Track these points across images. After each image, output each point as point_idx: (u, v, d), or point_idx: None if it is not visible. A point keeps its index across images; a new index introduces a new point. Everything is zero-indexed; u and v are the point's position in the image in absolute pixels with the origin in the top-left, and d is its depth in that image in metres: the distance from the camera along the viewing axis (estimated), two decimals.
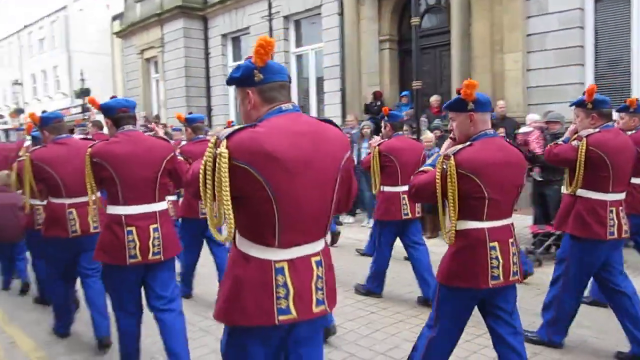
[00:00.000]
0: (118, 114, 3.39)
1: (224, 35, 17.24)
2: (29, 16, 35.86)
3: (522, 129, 7.23)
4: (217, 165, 1.90)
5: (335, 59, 13.55)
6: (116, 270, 3.35)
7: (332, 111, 13.43)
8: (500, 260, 2.82)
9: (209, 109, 17.84)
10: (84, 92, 23.85)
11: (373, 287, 5.50)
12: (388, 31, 12.52)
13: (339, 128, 2.17)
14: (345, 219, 9.67)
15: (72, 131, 8.40)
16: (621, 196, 3.72)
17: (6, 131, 21.31)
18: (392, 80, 12.68)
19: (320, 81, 14.63)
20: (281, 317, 1.98)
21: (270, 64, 2.04)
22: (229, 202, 1.91)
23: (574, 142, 3.77)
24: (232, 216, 1.93)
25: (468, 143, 2.83)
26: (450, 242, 2.87)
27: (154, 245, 3.33)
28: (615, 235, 3.69)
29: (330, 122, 2.14)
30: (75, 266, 4.24)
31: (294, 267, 2.02)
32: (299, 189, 1.96)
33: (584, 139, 3.71)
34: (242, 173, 1.89)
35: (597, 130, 3.74)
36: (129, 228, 3.29)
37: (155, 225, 3.37)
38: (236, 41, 17.36)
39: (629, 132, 4.65)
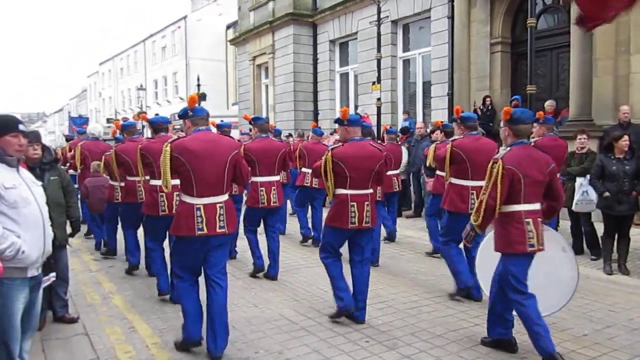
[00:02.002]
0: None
1: (332, 41, 17.53)
2: (153, 26, 38.64)
3: None
4: (163, 155, 3.95)
5: (443, 62, 13.29)
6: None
7: (439, 116, 13.16)
8: (357, 213, 4.67)
9: (315, 113, 18.21)
10: (200, 97, 25.26)
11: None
12: (500, 33, 12.06)
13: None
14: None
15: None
16: (481, 183, 4.39)
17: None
18: (503, 84, 12.19)
19: (427, 85, 14.42)
20: (198, 232, 3.96)
21: (196, 107, 4.17)
22: (168, 174, 3.97)
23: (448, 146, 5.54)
24: (169, 181, 4.00)
25: (340, 144, 4.88)
26: (330, 199, 4.90)
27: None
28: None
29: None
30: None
31: (205, 207, 3.99)
32: (204, 167, 3.97)
33: (450, 143, 5.55)
34: (176, 159, 3.95)
35: (462, 136, 5.54)
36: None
37: None
38: (344, 46, 17.59)
39: (536, 138, 6.43)
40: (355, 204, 4.64)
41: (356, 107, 16.69)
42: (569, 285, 4.30)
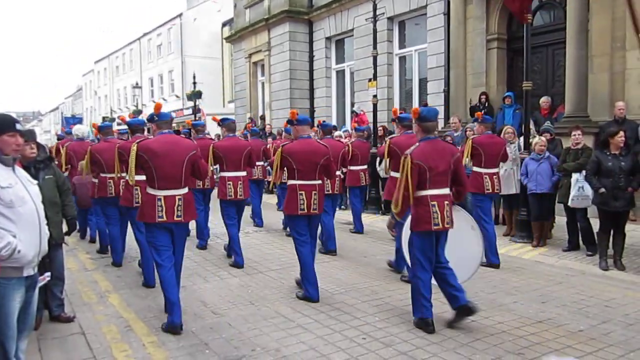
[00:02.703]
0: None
1: (328, 38, 17.51)
2: (149, 24, 38.53)
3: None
4: (130, 154, 4.63)
5: (439, 59, 13.29)
6: None
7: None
8: (305, 200, 5.37)
9: (312, 110, 18.19)
10: (195, 95, 25.18)
11: None
12: (496, 30, 12.06)
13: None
14: None
15: (178, 132, 11.43)
16: None
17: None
18: (499, 81, 12.20)
19: (423, 82, 14.42)
20: (159, 219, 4.63)
21: (161, 113, 4.88)
22: (134, 170, 4.65)
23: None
24: (134, 176, 4.70)
25: (289, 141, 5.84)
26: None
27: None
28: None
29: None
30: None
31: (165, 198, 4.64)
32: (165, 164, 4.63)
33: (388, 140, 6.42)
34: (141, 157, 4.60)
35: (399, 134, 6.43)
36: None
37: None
38: (340, 43, 17.57)
39: (475, 135, 7.17)
40: (303, 192, 5.37)
41: (352, 104, 16.69)
42: (476, 257, 5.17)
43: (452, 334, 4.43)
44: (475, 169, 6.84)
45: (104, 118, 35.85)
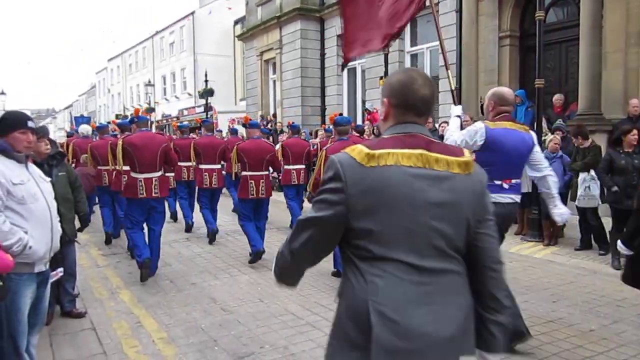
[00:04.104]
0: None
1: (340, 36, 17.41)
2: (161, 22, 38.67)
3: None
4: (117, 147, 6.19)
5: (451, 57, 13.16)
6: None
7: (446, 111, 13.09)
8: (254, 187, 6.89)
9: (322, 108, 18.19)
10: (207, 92, 25.26)
11: None
12: (509, 27, 11.96)
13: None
14: None
15: (193, 130, 13.51)
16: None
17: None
18: (512, 78, 12.09)
19: (434, 80, 14.31)
20: (140, 195, 6.08)
21: (140, 116, 6.55)
22: (121, 159, 6.18)
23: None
24: (122, 164, 6.24)
25: (242, 141, 7.32)
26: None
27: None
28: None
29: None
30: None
31: (145, 180, 6.10)
32: (144, 155, 6.14)
33: (324, 150, 6.13)
34: (126, 149, 6.13)
35: (337, 140, 6.28)
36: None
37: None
38: None
39: None
40: (252, 181, 6.89)
41: (363, 102, 16.66)
42: None
43: None
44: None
45: (117, 116, 36.08)
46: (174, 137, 11.00)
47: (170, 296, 5.56)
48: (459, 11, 12.71)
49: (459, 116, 4.85)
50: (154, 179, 6.15)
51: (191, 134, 11.70)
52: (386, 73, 12.18)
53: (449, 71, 5.85)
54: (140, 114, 6.53)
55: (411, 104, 1.74)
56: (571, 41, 10.82)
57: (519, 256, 7.09)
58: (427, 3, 5.99)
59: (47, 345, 4.24)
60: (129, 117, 6.68)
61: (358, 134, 9.77)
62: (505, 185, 4.04)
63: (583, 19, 9.82)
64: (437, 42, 13.54)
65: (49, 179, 3.35)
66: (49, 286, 3.32)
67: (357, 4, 6.35)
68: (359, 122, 16.24)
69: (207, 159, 8.48)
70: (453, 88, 5.65)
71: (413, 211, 1.60)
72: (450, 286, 1.65)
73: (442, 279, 1.64)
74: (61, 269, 3.67)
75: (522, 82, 11.97)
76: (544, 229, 7.71)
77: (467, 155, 1.76)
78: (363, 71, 16.71)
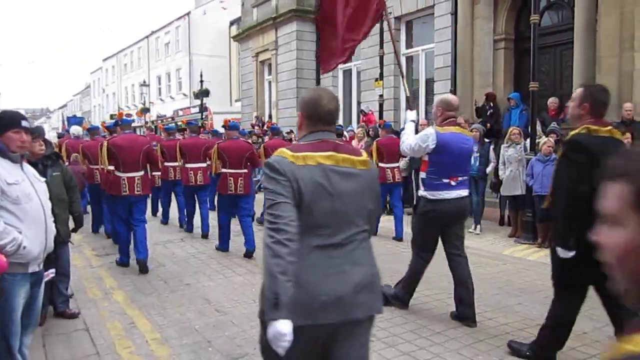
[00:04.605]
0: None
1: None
2: (156, 23, 38.57)
3: None
4: (102, 147, 6.65)
5: (446, 59, 13.26)
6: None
7: None
8: (233, 184, 7.36)
9: None
10: (202, 93, 25.24)
11: None
12: (504, 30, 12.03)
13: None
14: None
15: (181, 131, 13.07)
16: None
17: (134, 129, 23.07)
18: (507, 81, 12.16)
19: (430, 82, 14.39)
20: (123, 193, 6.51)
21: (123, 119, 7.92)
22: (106, 159, 6.58)
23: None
24: (107, 163, 6.63)
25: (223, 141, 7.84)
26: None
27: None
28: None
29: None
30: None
31: (128, 178, 6.52)
32: (126, 155, 6.58)
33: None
34: (110, 150, 6.56)
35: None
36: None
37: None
38: None
39: (380, 138, 8.81)
40: (232, 178, 7.36)
41: (359, 103, 16.67)
42: None
43: (455, 334, 4.43)
44: (379, 164, 8.11)
45: (111, 116, 35.99)
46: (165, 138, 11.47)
47: (164, 297, 5.55)
48: (454, 14, 12.75)
49: (413, 121, 5.18)
50: (136, 178, 6.60)
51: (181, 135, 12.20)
52: (381, 75, 12.22)
53: (404, 79, 6.74)
54: (124, 116, 7.34)
55: (320, 117, 2.25)
56: (566, 45, 10.89)
57: (512, 258, 7.12)
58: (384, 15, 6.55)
59: (40, 346, 4.22)
60: (114, 120, 7.34)
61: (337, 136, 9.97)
62: (453, 183, 4.58)
63: (577, 23, 9.88)
64: (433, 45, 13.66)
65: (43, 179, 3.34)
66: (42, 286, 3.31)
67: (329, 18, 6.85)
68: (354, 123, 16.28)
69: (192, 158, 8.92)
70: (408, 95, 6.39)
71: (332, 198, 2.14)
72: (359, 255, 2.23)
73: (353, 249, 2.21)
74: (53, 270, 3.66)
75: (517, 85, 12.02)
76: (538, 232, 7.74)
77: (365, 155, 2.34)
78: (358, 73, 16.73)
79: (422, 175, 4.76)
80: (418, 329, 4.53)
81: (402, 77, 6.61)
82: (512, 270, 6.52)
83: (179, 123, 23.25)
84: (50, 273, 3.56)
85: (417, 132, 5.26)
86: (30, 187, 3.07)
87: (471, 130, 9.26)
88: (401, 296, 5.01)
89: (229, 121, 8.35)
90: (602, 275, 2.81)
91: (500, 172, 8.60)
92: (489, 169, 8.87)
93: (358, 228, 2.23)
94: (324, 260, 2.15)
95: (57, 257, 4.35)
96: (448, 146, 4.49)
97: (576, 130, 3.63)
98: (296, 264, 2.02)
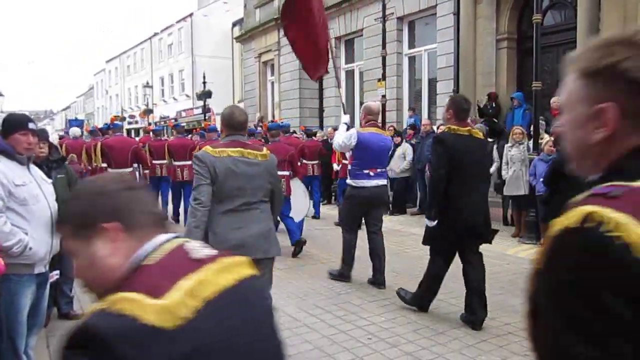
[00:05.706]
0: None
1: (338, 38, 17.48)
2: (157, 25, 38.65)
3: None
4: (96, 147, 8.84)
5: (449, 59, 13.25)
6: None
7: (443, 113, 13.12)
8: None
9: (320, 110, 18.20)
10: (205, 94, 25.28)
11: None
12: (506, 29, 12.01)
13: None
14: None
15: (189, 131, 15.49)
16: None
17: (137, 130, 23.07)
18: (509, 81, 12.15)
19: (432, 82, 14.38)
20: None
21: (115, 123, 10.92)
22: (100, 158, 8.62)
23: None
24: (100, 161, 8.68)
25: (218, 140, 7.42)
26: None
27: None
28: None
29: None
30: None
31: (117, 175, 5.56)
32: (117, 154, 8.71)
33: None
34: (103, 150, 8.68)
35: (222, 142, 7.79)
36: None
37: None
38: (349, 43, 17.56)
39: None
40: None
41: (361, 104, 16.66)
42: (305, 207, 8.38)
43: (458, 334, 4.44)
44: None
45: (116, 117, 36.11)
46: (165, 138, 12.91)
47: None
48: (457, 14, 12.75)
49: (346, 123, 6.20)
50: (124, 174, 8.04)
51: (189, 135, 13.55)
52: (384, 75, 12.22)
53: (341, 89, 8.26)
54: (115, 121, 8.36)
55: (234, 125, 3.50)
56: (569, 44, 10.86)
57: (516, 258, 7.12)
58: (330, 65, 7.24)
59: (44, 347, 4.25)
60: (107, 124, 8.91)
61: (306, 135, 12.05)
62: (372, 174, 5.64)
63: (580, 22, 9.87)
64: (436, 45, 13.68)
65: (50, 181, 3.37)
66: (48, 287, 3.33)
67: (305, 19, 6.95)
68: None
69: (179, 157, 10.01)
70: (343, 102, 7.58)
71: (238, 178, 3.36)
72: (257, 216, 3.44)
73: (253, 212, 3.42)
74: (57, 271, 3.69)
75: (520, 84, 12.02)
76: (542, 232, 7.74)
77: (265, 150, 3.60)
78: (361, 73, 16.75)
79: (349, 167, 5.98)
80: (420, 329, 4.55)
81: (339, 87, 8.74)
82: (516, 270, 6.52)
83: (183, 124, 23.41)
84: (55, 274, 3.59)
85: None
86: (37, 188, 3.10)
87: (474, 130, 9.29)
88: (346, 264, 6.06)
89: (209, 124, 9.98)
90: (461, 243, 4.37)
91: (503, 172, 8.60)
92: (492, 169, 8.87)
93: (257, 198, 3.44)
94: (232, 218, 3.35)
95: (61, 258, 4.39)
96: (368, 143, 5.58)
97: (442, 129, 4.87)
98: (207, 221, 3.28)
